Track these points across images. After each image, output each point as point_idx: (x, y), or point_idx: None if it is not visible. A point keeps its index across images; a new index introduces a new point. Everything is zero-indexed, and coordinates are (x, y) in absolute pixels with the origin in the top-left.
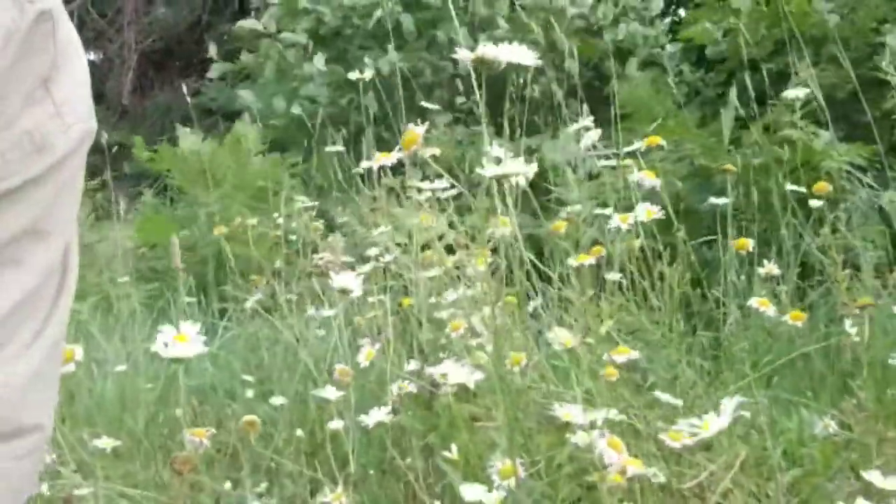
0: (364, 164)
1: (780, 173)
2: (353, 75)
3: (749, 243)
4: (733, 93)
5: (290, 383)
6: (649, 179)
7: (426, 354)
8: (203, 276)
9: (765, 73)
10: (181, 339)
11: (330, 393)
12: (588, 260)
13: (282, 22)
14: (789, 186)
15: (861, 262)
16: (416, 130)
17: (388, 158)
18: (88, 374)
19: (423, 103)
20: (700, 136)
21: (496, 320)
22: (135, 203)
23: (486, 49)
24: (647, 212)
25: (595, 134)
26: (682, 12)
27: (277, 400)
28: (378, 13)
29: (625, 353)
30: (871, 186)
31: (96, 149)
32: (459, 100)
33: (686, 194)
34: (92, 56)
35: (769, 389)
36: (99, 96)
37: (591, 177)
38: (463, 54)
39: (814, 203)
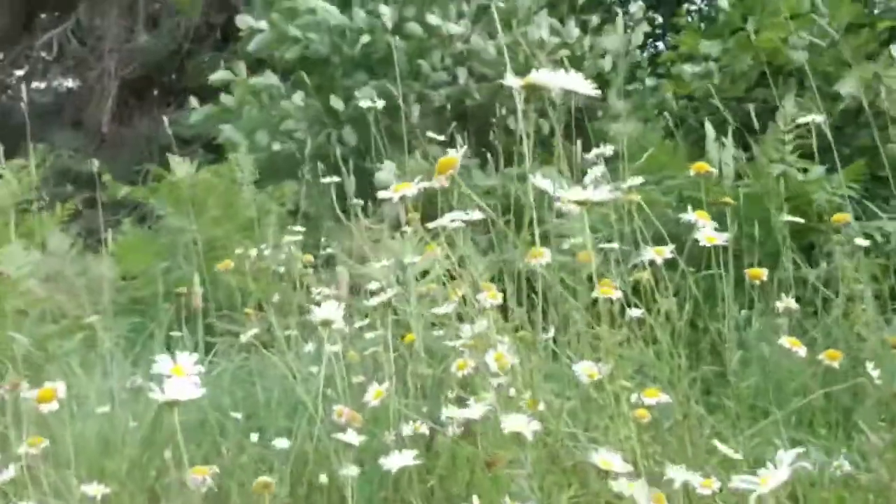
0: (383, 193)
1: (775, 206)
2: (338, 104)
3: (762, 273)
4: (709, 127)
5: (284, 420)
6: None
7: (427, 392)
8: (187, 307)
9: (752, 108)
10: (177, 372)
11: (351, 437)
12: (612, 294)
13: (270, 47)
14: (785, 217)
15: (863, 296)
16: (454, 154)
17: (409, 189)
18: (70, 413)
19: (401, 134)
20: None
21: (517, 358)
22: (114, 232)
23: (538, 75)
24: (657, 250)
25: (600, 169)
26: (660, 44)
27: (280, 443)
28: (364, 38)
29: (654, 396)
30: (857, 218)
31: (75, 177)
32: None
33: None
34: (71, 83)
35: (783, 428)
36: (77, 124)
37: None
38: (512, 81)
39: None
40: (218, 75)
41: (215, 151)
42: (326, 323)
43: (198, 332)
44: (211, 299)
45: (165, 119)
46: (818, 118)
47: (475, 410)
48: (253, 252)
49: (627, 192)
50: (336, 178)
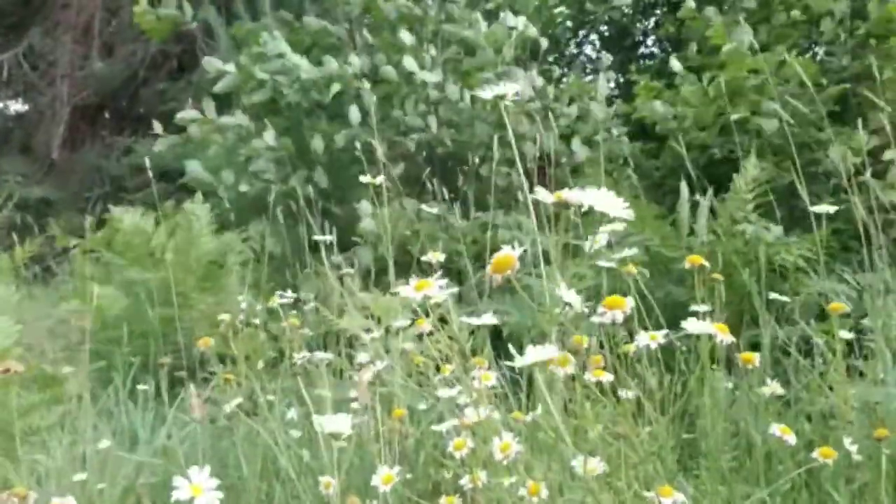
0: (404, 291)
1: (742, 266)
2: (318, 145)
3: (754, 358)
4: (684, 187)
5: (265, 489)
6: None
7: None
8: (146, 354)
9: (717, 154)
10: (197, 492)
11: None
12: (603, 377)
13: (239, 89)
14: (772, 295)
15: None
16: (512, 254)
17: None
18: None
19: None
20: (659, 226)
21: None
22: (63, 267)
23: (571, 194)
24: (651, 336)
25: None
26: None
27: None
28: (336, 87)
29: (669, 496)
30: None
31: (21, 204)
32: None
33: (646, 284)
34: (20, 107)
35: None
36: (26, 149)
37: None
38: (543, 195)
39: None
40: (185, 114)
41: (172, 181)
42: (336, 436)
43: (160, 382)
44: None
45: (123, 146)
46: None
47: None
48: (226, 317)
49: (621, 264)
50: (330, 237)
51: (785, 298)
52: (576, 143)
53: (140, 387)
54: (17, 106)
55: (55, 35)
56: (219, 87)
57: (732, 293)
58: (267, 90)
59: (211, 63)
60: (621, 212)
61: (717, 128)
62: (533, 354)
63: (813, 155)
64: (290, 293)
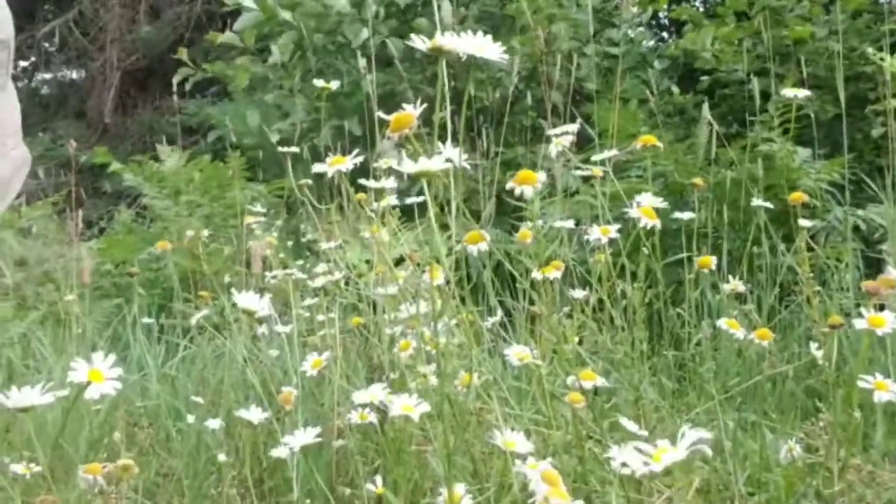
0: (317, 167)
1: (756, 190)
2: (334, 84)
3: (712, 261)
4: (706, 107)
5: (238, 405)
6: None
7: (378, 374)
8: (169, 294)
9: (756, 88)
10: (96, 377)
11: (254, 415)
12: (552, 273)
13: (258, 28)
14: (757, 202)
15: (832, 281)
16: (410, 111)
17: (343, 164)
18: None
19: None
20: (674, 152)
21: (440, 338)
22: (112, 222)
23: (445, 39)
24: (602, 230)
25: (569, 139)
26: (664, 35)
27: (213, 423)
28: (364, 33)
29: (591, 379)
30: (849, 204)
31: (79, 167)
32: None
33: (660, 212)
34: (74, 74)
35: (736, 412)
36: (80, 114)
37: (570, 193)
38: (419, 43)
39: (803, 223)
40: (224, 36)
41: (220, 139)
42: (249, 313)
43: (176, 318)
44: (190, 284)
45: (172, 107)
46: (802, 93)
47: (399, 401)
48: (205, 233)
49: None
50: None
51: (806, 223)
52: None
53: (146, 320)
54: (72, 73)
55: (103, 0)
56: (238, 25)
57: (747, 220)
58: (293, 33)
59: None
60: (494, 54)
61: (752, 60)
62: (420, 164)
63: (861, 87)
64: (259, 208)
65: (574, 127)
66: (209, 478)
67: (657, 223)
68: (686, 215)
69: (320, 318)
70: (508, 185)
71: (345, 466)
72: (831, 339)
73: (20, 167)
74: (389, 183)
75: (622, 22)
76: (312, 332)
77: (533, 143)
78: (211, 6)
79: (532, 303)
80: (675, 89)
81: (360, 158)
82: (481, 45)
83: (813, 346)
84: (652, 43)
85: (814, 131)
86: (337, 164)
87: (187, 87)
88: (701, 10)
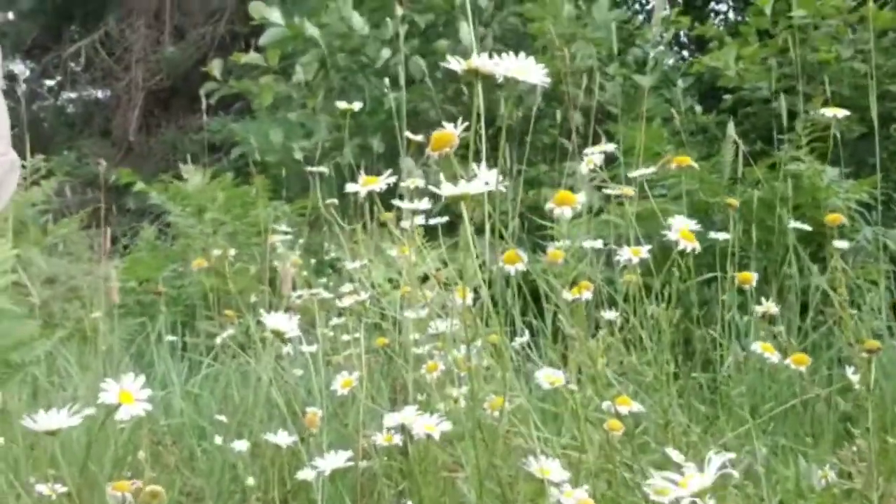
0: (350, 187)
1: (784, 209)
2: (357, 105)
3: (752, 277)
4: (731, 126)
5: (263, 424)
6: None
7: (405, 396)
8: (192, 311)
9: (783, 107)
10: (126, 399)
11: (281, 439)
12: (583, 294)
13: (283, 45)
14: (792, 224)
15: (862, 302)
16: (450, 130)
17: (375, 184)
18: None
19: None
20: (698, 171)
21: (472, 360)
22: (135, 239)
23: (483, 60)
24: (633, 250)
25: (599, 158)
26: (685, 53)
27: (239, 445)
28: (386, 53)
29: (627, 405)
30: (878, 224)
31: (103, 186)
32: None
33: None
34: (100, 94)
35: (768, 436)
36: (105, 133)
37: (595, 213)
38: (455, 65)
39: (838, 244)
40: (249, 56)
41: (242, 157)
42: (278, 333)
43: (200, 336)
44: (214, 303)
45: (196, 125)
46: (841, 113)
47: (417, 417)
48: (231, 252)
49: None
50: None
51: (842, 244)
52: (640, 103)
53: (169, 337)
54: (97, 93)
55: (129, 21)
56: (263, 40)
57: (775, 240)
58: (317, 52)
59: (257, 9)
60: (536, 77)
61: (777, 78)
62: (458, 187)
63: (887, 105)
64: (284, 227)
65: (610, 146)
66: (233, 497)
67: (696, 246)
68: (721, 236)
69: (345, 337)
70: (548, 206)
71: (369, 488)
72: (867, 364)
73: (9, 171)
74: (423, 204)
75: (644, 42)
76: (336, 351)
77: (555, 162)
78: (234, 26)
79: (557, 322)
80: (698, 108)
81: (393, 179)
82: (523, 68)
83: (849, 370)
84: (672, 61)
85: (840, 150)
86: (369, 185)
87: (212, 101)
88: (722, 28)
